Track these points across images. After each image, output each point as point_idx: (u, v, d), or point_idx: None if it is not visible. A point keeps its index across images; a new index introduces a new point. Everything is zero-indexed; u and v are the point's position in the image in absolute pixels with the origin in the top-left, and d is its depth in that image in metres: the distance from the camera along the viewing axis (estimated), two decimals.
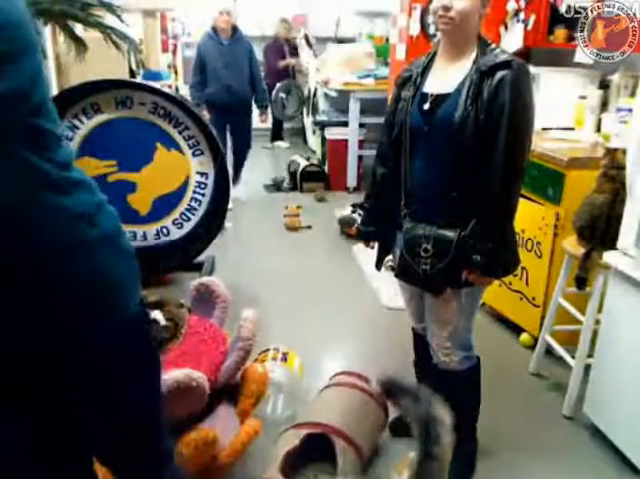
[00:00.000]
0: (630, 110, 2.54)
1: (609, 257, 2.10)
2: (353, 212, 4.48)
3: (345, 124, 5.59)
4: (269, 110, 6.51)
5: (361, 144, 5.62)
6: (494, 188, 1.74)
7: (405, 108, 1.88)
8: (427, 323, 2.02)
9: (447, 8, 1.72)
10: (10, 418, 1.11)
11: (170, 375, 1.71)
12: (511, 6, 3.53)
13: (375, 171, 2.04)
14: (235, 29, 4.96)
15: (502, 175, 1.73)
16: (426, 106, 1.83)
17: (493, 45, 1.80)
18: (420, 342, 2.17)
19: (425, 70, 1.89)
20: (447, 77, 1.81)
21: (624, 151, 2.09)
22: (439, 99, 1.81)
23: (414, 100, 1.86)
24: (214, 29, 4.91)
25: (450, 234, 1.79)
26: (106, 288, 1.06)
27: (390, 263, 3.93)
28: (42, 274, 0.99)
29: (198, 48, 4.93)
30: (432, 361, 2.07)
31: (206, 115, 4.65)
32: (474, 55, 1.78)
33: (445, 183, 1.81)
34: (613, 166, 2.21)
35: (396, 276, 1.99)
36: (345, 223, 4.44)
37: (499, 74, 1.71)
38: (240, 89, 4.95)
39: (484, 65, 1.73)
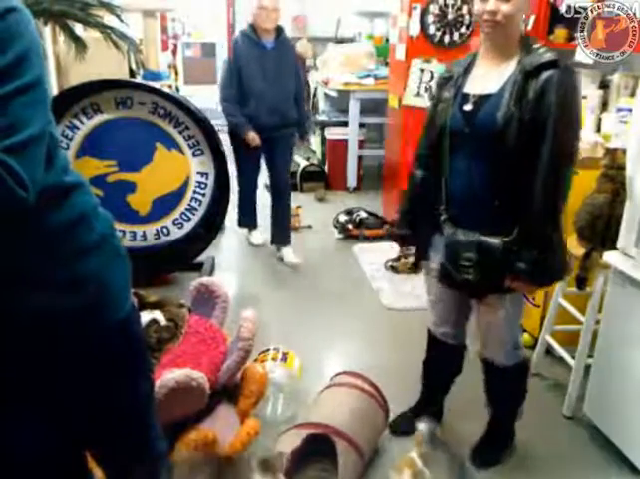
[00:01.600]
0: (630, 110, 2.54)
1: (609, 257, 2.10)
2: (348, 215, 4.48)
3: (345, 124, 5.59)
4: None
5: (361, 144, 5.62)
6: (539, 193, 1.68)
7: (445, 109, 1.84)
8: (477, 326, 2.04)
9: (494, 12, 1.68)
10: (10, 419, 1.11)
11: (170, 375, 1.71)
12: None
13: (413, 173, 2.01)
14: (280, 30, 3.70)
15: (547, 179, 1.67)
16: (467, 107, 1.78)
17: (538, 44, 1.76)
18: (434, 344, 2.18)
19: (466, 70, 1.85)
20: (490, 77, 1.77)
21: (624, 151, 2.09)
22: (482, 100, 1.76)
23: (455, 101, 1.82)
24: (253, 27, 3.65)
25: (494, 241, 1.74)
26: (98, 290, 1.07)
27: (390, 263, 3.95)
28: (41, 280, 1.00)
29: (234, 51, 3.67)
30: (442, 365, 2.14)
31: (256, 139, 3.67)
32: (518, 55, 1.74)
33: (487, 186, 1.76)
34: (613, 166, 2.21)
35: (438, 281, 1.95)
36: (340, 227, 4.44)
37: (545, 74, 1.66)
38: (286, 109, 3.75)
39: (530, 65, 1.69)
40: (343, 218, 4.46)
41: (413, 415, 2.29)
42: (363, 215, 4.45)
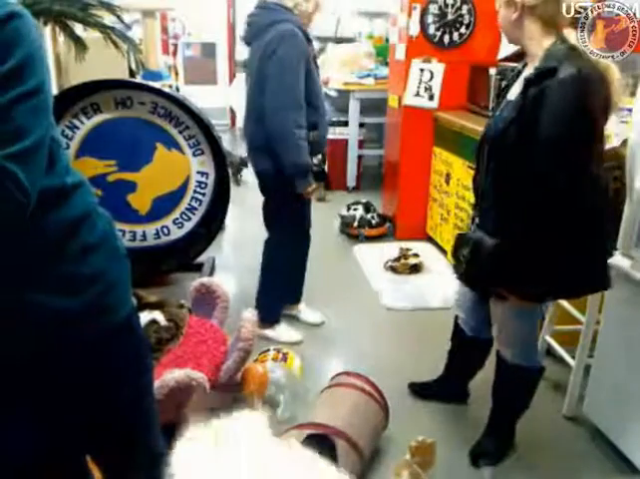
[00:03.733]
0: (630, 110, 2.54)
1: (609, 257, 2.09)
2: (349, 210, 4.50)
3: (345, 124, 5.59)
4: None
5: (361, 144, 5.62)
6: (521, 205, 1.66)
7: (491, 115, 1.92)
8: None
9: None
10: (10, 420, 1.11)
11: (170, 375, 1.71)
12: None
13: None
14: None
15: (531, 192, 1.64)
16: (497, 112, 1.84)
17: (564, 48, 1.65)
18: (455, 332, 2.30)
19: (518, 76, 1.84)
20: (519, 83, 1.76)
21: (624, 142, 2.10)
22: (505, 106, 1.79)
23: (498, 107, 1.88)
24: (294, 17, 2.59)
25: (487, 242, 1.74)
26: (101, 289, 1.07)
27: (390, 263, 3.95)
28: (44, 281, 1.00)
29: (298, 51, 2.50)
30: (461, 354, 2.29)
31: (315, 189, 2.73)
32: (539, 61, 1.68)
33: (492, 189, 1.80)
34: (617, 166, 2.19)
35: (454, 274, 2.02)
36: (347, 222, 4.45)
37: (544, 83, 1.60)
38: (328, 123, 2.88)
39: (532, 73, 1.64)
40: (359, 214, 4.44)
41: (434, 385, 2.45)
42: (371, 216, 4.46)
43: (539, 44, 1.69)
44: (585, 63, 1.62)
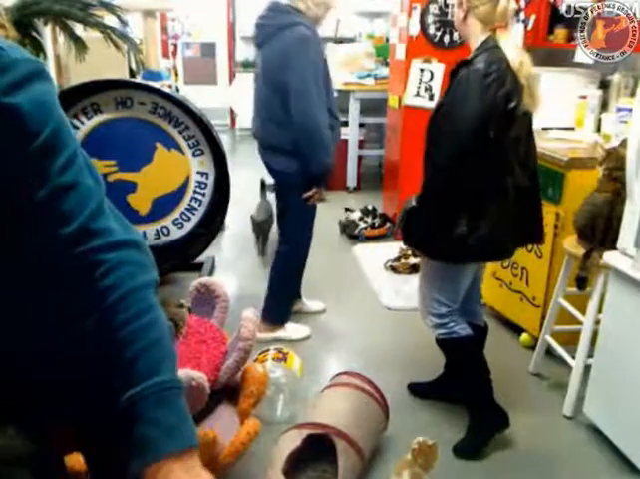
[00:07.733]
0: (630, 110, 2.54)
1: (609, 257, 2.10)
2: (360, 218, 4.48)
3: (345, 124, 5.59)
4: None
5: (361, 144, 5.63)
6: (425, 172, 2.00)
7: None
8: None
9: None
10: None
11: None
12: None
13: None
14: None
15: (431, 161, 1.98)
16: None
17: (490, 44, 1.92)
18: None
19: None
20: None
21: (623, 142, 2.10)
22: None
23: None
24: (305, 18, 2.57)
25: (408, 204, 2.04)
26: None
27: (390, 263, 3.95)
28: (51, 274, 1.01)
29: (314, 49, 2.53)
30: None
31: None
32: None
33: (424, 164, 2.07)
34: (620, 167, 2.19)
35: None
36: (346, 226, 4.45)
37: (459, 72, 1.91)
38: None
39: (456, 63, 1.95)
40: (363, 218, 4.44)
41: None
42: (374, 220, 4.45)
43: (476, 40, 1.96)
44: (498, 57, 1.87)
